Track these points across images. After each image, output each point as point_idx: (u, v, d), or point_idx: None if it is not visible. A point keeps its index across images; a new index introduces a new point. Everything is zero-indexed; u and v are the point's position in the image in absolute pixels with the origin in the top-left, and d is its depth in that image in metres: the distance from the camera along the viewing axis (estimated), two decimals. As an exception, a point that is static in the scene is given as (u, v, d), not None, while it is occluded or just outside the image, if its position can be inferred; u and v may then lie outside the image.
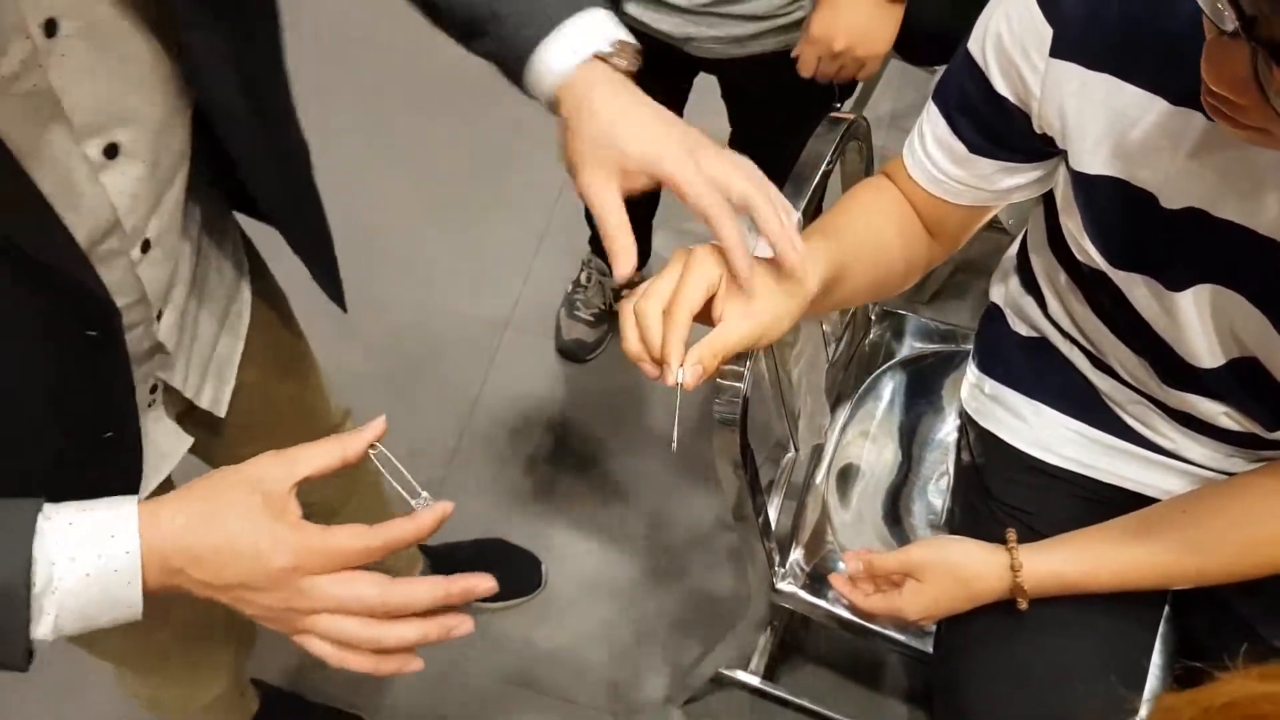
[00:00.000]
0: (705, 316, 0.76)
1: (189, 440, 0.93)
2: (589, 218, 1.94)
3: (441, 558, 1.71)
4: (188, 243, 0.84)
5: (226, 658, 1.29)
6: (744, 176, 0.76)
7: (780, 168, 1.05)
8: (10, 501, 0.58)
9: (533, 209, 2.26)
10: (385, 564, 0.66)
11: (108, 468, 0.81)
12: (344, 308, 1.06)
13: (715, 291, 0.76)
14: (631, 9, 1.35)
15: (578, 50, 0.76)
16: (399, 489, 0.72)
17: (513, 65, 0.78)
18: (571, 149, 0.77)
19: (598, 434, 1.97)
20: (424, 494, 0.71)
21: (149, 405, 0.87)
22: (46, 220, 0.62)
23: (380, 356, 2.07)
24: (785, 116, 1.37)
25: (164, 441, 0.90)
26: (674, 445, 0.75)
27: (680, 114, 1.63)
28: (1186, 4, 0.73)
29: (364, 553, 0.64)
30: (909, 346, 1.37)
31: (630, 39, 0.79)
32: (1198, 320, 0.87)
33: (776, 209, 0.76)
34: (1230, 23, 0.57)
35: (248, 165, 0.81)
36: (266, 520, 0.63)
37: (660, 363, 0.74)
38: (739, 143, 1.66)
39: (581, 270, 2.07)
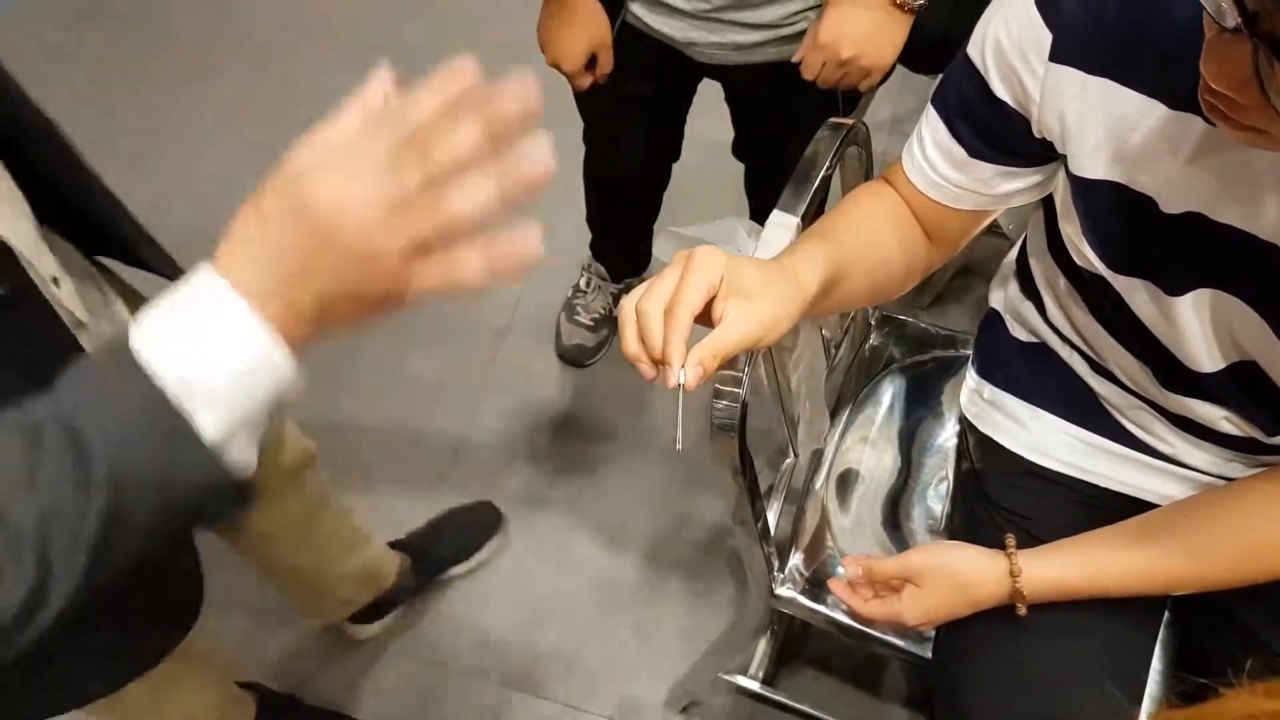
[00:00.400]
0: (705, 318, 0.76)
1: None
2: (590, 222, 1.94)
3: (417, 549, 1.74)
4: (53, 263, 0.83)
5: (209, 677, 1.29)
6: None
7: (784, 174, 1.05)
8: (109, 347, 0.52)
9: (533, 214, 2.25)
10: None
11: None
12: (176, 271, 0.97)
13: (715, 293, 0.76)
14: (636, 9, 1.35)
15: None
16: None
17: None
18: None
19: (598, 438, 1.97)
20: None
21: None
22: None
23: (381, 363, 2.08)
24: (789, 124, 1.37)
25: None
26: (678, 445, 0.75)
27: (684, 119, 1.64)
28: (1183, 9, 0.73)
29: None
30: (909, 352, 1.36)
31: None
32: (1198, 324, 0.86)
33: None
34: (1232, 19, 0.57)
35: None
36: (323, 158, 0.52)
37: (661, 363, 0.74)
38: (743, 148, 1.67)
39: (581, 275, 2.07)
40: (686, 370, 0.73)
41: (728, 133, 1.65)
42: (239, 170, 2.28)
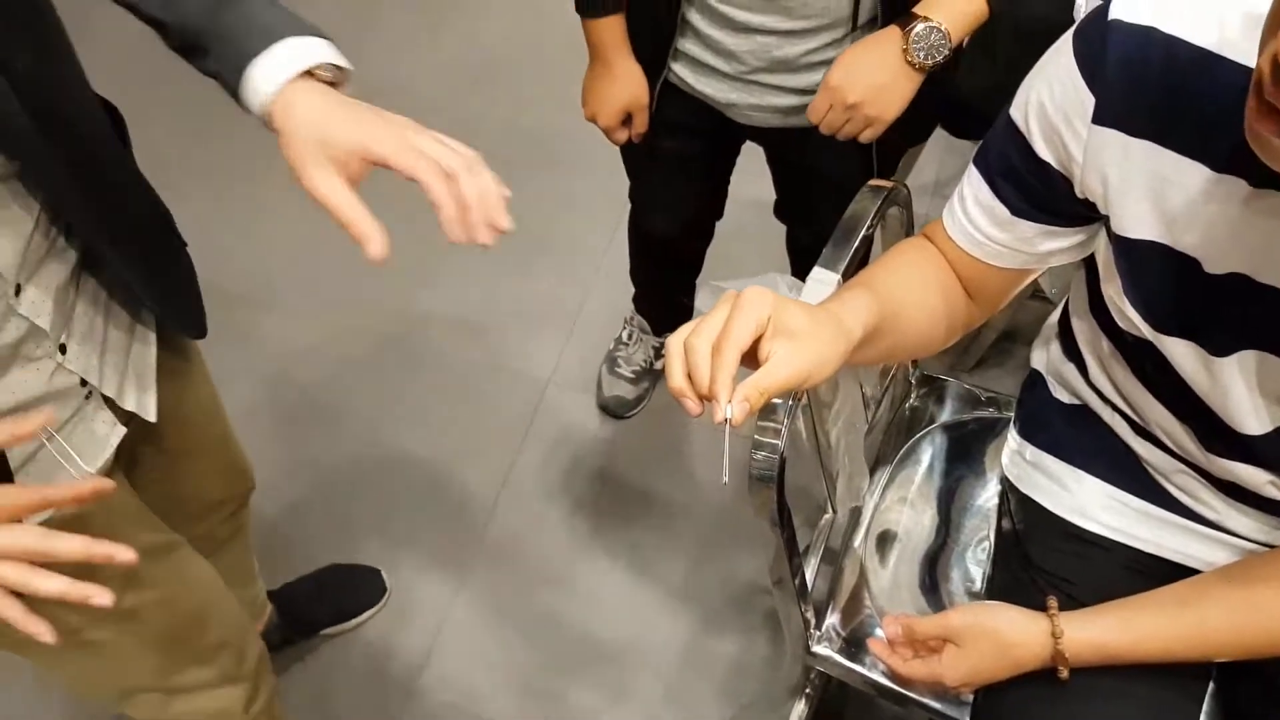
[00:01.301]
0: (750, 360, 0.77)
1: (123, 430, 0.98)
2: (634, 275, 1.97)
3: (285, 598, 1.74)
4: (70, 285, 0.89)
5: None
6: (458, 154, 0.80)
7: (825, 236, 1.06)
8: None
9: (578, 267, 2.29)
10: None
11: None
12: (201, 333, 1.09)
13: (763, 332, 0.76)
14: (678, 69, 1.38)
15: (288, 66, 0.81)
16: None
17: (230, 79, 0.82)
18: (289, 155, 0.80)
19: (636, 491, 1.97)
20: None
21: (85, 398, 0.93)
22: None
23: (423, 411, 2.10)
24: (829, 188, 1.39)
25: (100, 429, 0.95)
26: (725, 480, 0.76)
27: (728, 178, 1.67)
28: (1225, 76, 0.73)
29: (17, 504, 0.71)
30: (950, 412, 1.36)
31: (345, 63, 0.84)
32: (1243, 386, 0.86)
33: (480, 184, 0.79)
34: None
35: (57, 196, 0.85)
36: None
37: (707, 399, 0.75)
38: (784, 209, 1.69)
39: (624, 328, 2.09)
40: (733, 406, 0.74)
41: (772, 192, 1.67)
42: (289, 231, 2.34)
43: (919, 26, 1.19)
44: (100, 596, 0.72)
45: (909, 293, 0.94)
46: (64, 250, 0.88)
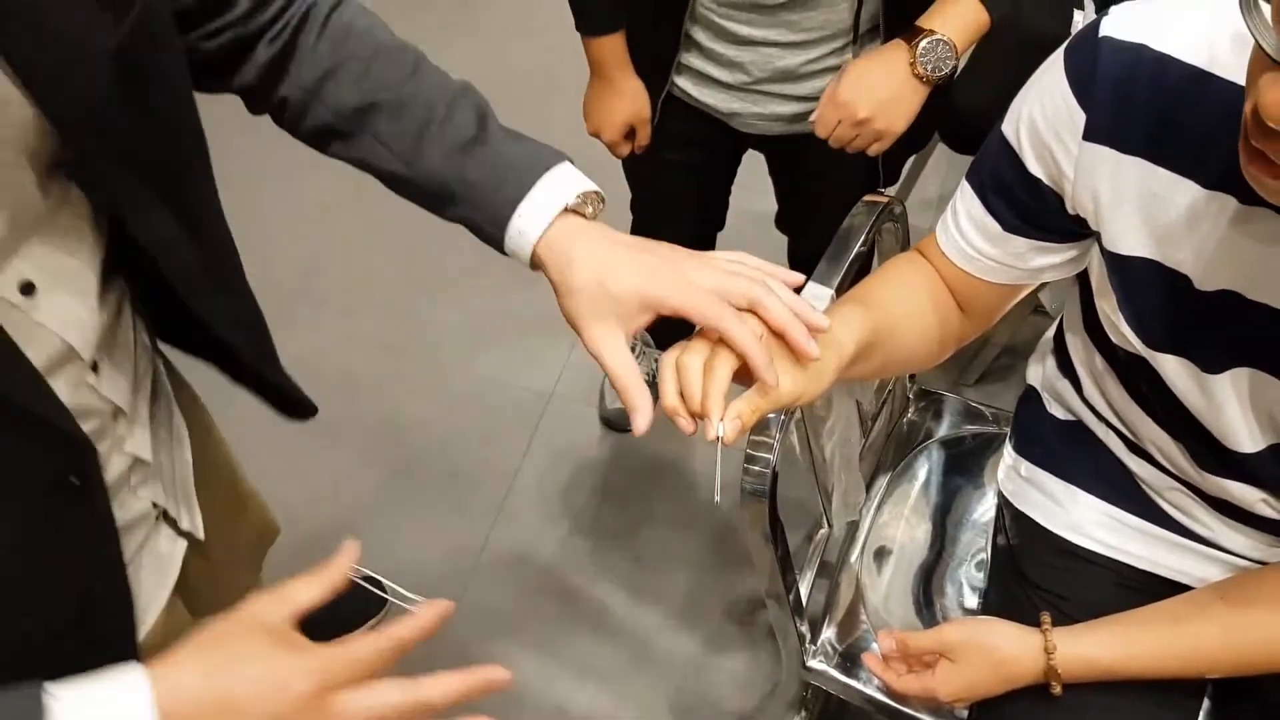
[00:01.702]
0: (744, 376, 0.77)
1: (184, 543, 0.92)
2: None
3: None
4: (133, 358, 0.84)
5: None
6: (744, 276, 0.77)
7: (824, 249, 1.07)
8: (10, 692, 0.56)
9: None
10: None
11: (95, 626, 0.78)
12: (311, 413, 1.03)
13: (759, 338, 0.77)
14: (681, 81, 1.39)
15: (550, 207, 0.78)
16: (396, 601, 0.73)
17: (491, 230, 0.80)
18: (569, 308, 0.78)
19: (639, 504, 1.97)
20: (417, 598, 0.73)
21: (156, 520, 0.87)
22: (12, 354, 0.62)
23: (426, 422, 2.11)
24: (831, 197, 1.39)
25: (164, 546, 0.89)
26: (717, 498, 0.77)
27: (729, 189, 1.67)
28: (1215, 95, 0.74)
29: (376, 657, 0.64)
30: (947, 427, 1.36)
31: (595, 187, 0.81)
32: (1236, 404, 0.86)
33: (783, 300, 0.76)
34: None
35: (185, 287, 0.80)
36: (281, 653, 0.63)
37: (699, 417, 0.75)
38: (785, 220, 1.69)
39: (638, 347, 2.09)
40: (725, 423, 0.74)
41: (772, 204, 1.67)
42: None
43: (925, 40, 1.20)
44: (496, 672, 0.67)
45: (902, 308, 0.94)
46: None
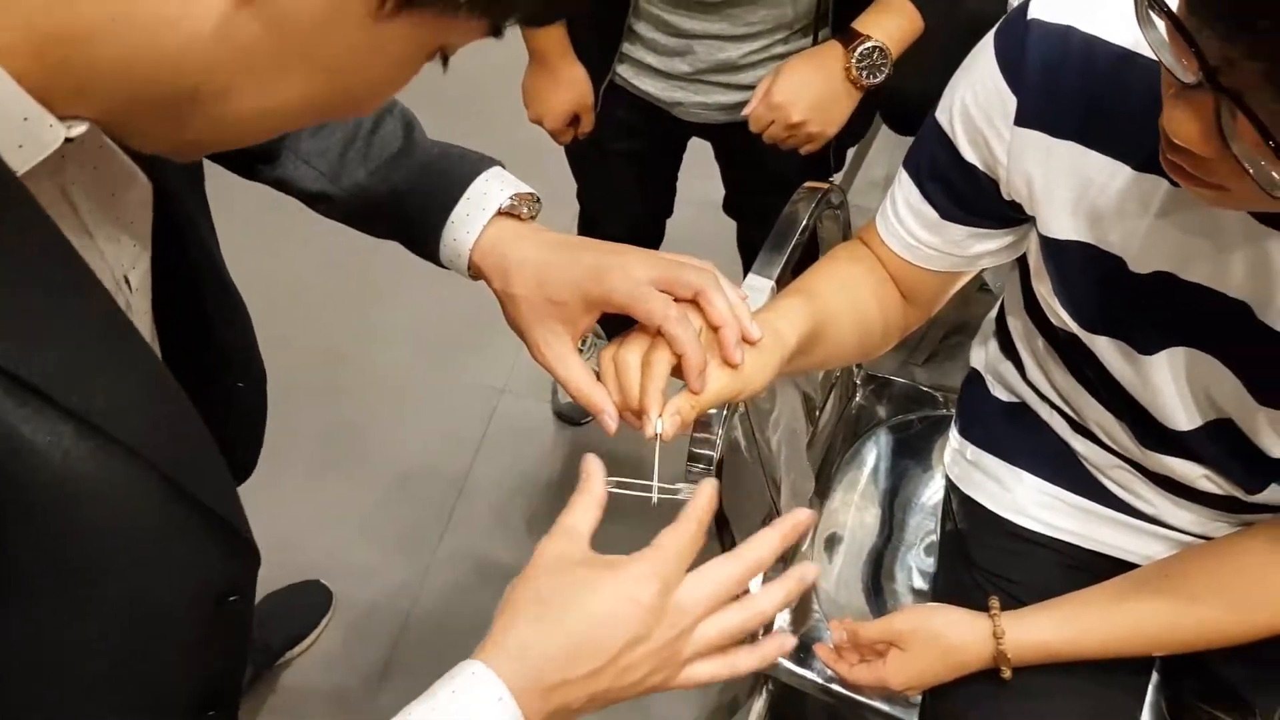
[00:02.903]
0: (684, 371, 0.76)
1: None
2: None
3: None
4: None
5: None
6: (692, 267, 0.75)
7: (770, 230, 1.06)
8: None
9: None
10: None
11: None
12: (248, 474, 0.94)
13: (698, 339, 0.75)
14: (622, 70, 1.37)
15: (483, 212, 0.76)
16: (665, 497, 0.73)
17: (424, 242, 0.78)
18: (512, 317, 0.77)
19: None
20: (681, 486, 0.73)
21: None
22: (208, 450, 0.59)
23: (377, 423, 2.08)
24: (776, 181, 1.38)
25: None
26: (654, 500, 0.75)
27: (675, 176, 1.66)
28: (1141, 77, 0.73)
29: (692, 541, 0.64)
30: (895, 411, 1.36)
31: (529, 189, 0.80)
32: (1172, 383, 0.86)
33: (728, 298, 0.75)
34: (1191, 75, 0.57)
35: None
36: (606, 576, 0.61)
37: (638, 413, 0.74)
38: (733, 205, 1.69)
39: (593, 344, 2.08)
40: (665, 419, 0.73)
41: (720, 190, 1.66)
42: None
43: (862, 46, 1.21)
44: (809, 571, 0.68)
45: (844, 299, 0.94)
46: None
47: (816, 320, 0.87)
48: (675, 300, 0.73)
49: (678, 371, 0.75)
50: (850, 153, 2.09)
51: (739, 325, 0.75)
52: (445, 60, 0.49)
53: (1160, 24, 0.58)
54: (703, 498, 0.67)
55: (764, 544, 0.66)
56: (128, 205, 0.56)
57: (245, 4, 0.41)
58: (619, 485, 0.71)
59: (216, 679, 0.69)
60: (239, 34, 0.42)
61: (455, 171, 0.78)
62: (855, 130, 1.47)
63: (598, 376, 0.76)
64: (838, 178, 2.43)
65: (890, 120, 1.74)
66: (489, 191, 0.77)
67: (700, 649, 0.63)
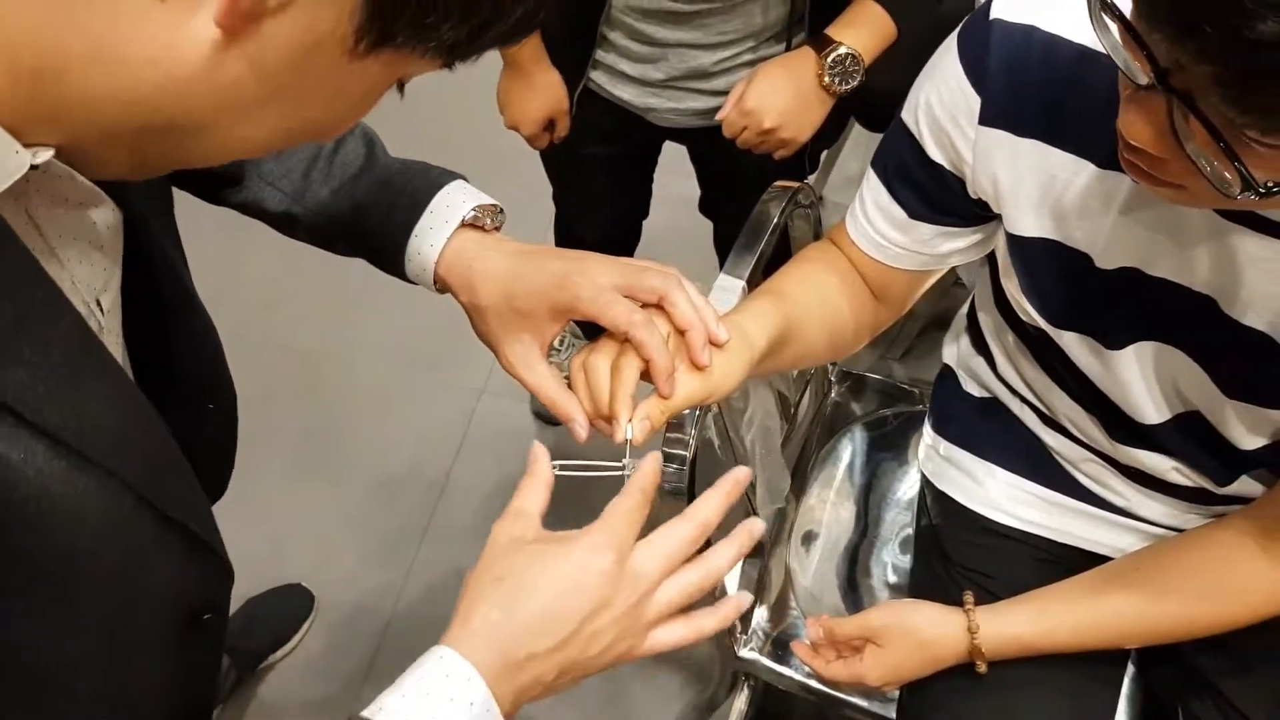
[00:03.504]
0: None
1: None
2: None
3: (229, 645, 1.69)
4: None
5: None
6: (655, 271, 0.76)
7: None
8: None
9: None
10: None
11: None
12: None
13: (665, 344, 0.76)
14: (596, 76, 1.37)
15: (446, 224, 0.77)
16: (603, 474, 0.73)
17: (390, 257, 0.78)
18: (479, 329, 0.77)
19: (574, 496, 1.95)
20: (626, 462, 0.73)
21: None
22: (181, 469, 0.59)
23: (357, 426, 2.07)
24: (752, 180, 1.38)
25: None
26: (627, 470, 0.75)
27: (650, 178, 1.66)
28: (1101, 75, 0.74)
29: (639, 509, 0.66)
30: (871, 406, 1.37)
31: (492, 201, 0.80)
32: (1140, 377, 0.87)
33: (692, 300, 0.76)
34: (1144, 76, 0.58)
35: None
36: (559, 550, 0.63)
37: (609, 419, 0.74)
38: (709, 204, 1.69)
39: (563, 348, 2.07)
40: (635, 424, 0.73)
41: (697, 189, 1.66)
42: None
43: (835, 53, 1.21)
44: (757, 526, 0.69)
45: (814, 299, 0.94)
46: None
47: (786, 321, 0.88)
48: (641, 305, 0.74)
49: (648, 376, 0.75)
50: (823, 160, 2.10)
51: (705, 328, 0.75)
52: (401, 88, 0.51)
53: (1114, 27, 0.58)
54: (648, 469, 0.68)
55: (710, 504, 0.68)
56: (96, 227, 0.56)
57: (231, 46, 0.42)
58: (565, 468, 0.73)
59: (191, 694, 0.69)
60: (221, 74, 0.43)
61: (418, 186, 0.78)
62: (829, 133, 1.48)
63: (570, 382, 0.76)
64: (813, 179, 2.45)
65: (864, 119, 1.74)
66: (451, 204, 0.77)
67: (663, 610, 0.64)
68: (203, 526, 0.61)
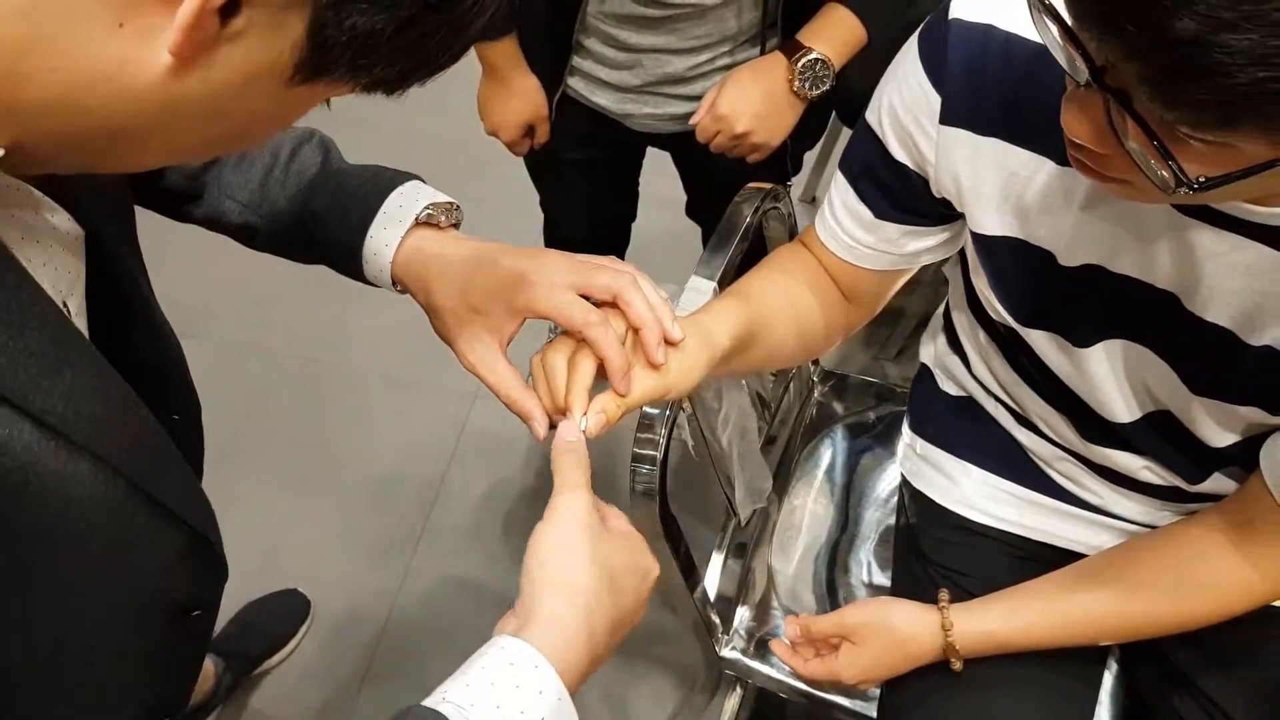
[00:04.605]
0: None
1: None
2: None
3: (226, 649, 1.70)
4: None
5: None
6: (610, 269, 0.76)
7: None
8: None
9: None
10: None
11: None
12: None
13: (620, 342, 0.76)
14: (573, 83, 1.38)
15: (400, 224, 0.77)
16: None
17: (348, 259, 0.79)
18: (438, 328, 0.78)
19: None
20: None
21: None
22: (173, 459, 0.61)
23: (349, 434, 2.08)
24: (737, 183, 1.39)
25: None
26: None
27: (635, 182, 1.67)
28: (1060, 72, 0.74)
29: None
30: (854, 407, 1.37)
31: (447, 198, 0.80)
32: (1110, 375, 0.87)
33: (647, 299, 0.76)
34: (1083, 75, 0.58)
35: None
36: (629, 540, 0.70)
37: (563, 413, 0.74)
38: (695, 208, 1.69)
39: (548, 336, 2.07)
40: (589, 417, 0.73)
41: (683, 195, 1.67)
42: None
43: (805, 58, 1.22)
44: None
45: (782, 300, 0.94)
46: None
47: (751, 321, 0.88)
48: (599, 304, 0.74)
49: (606, 373, 0.75)
50: (816, 151, 2.10)
51: (659, 326, 0.75)
52: (329, 102, 0.53)
53: (1053, 26, 0.59)
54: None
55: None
56: (58, 232, 0.58)
57: (186, 69, 0.44)
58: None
59: (172, 688, 0.71)
60: (173, 92, 0.45)
61: (372, 188, 0.79)
62: (811, 134, 1.48)
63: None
64: (804, 180, 2.45)
65: (843, 115, 1.75)
66: (405, 204, 0.78)
67: None
68: (199, 520, 0.62)
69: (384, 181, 0.79)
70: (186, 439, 0.83)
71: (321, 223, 0.79)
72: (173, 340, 0.77)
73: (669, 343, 0.76)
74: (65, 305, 0.59)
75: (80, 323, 0.62)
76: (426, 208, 0.78)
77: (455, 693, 0.58)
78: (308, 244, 0.81)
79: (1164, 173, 0.57)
